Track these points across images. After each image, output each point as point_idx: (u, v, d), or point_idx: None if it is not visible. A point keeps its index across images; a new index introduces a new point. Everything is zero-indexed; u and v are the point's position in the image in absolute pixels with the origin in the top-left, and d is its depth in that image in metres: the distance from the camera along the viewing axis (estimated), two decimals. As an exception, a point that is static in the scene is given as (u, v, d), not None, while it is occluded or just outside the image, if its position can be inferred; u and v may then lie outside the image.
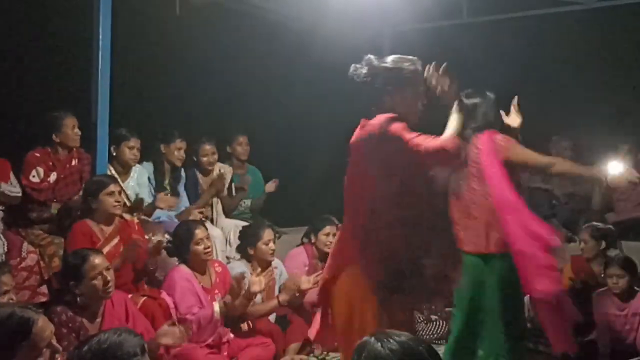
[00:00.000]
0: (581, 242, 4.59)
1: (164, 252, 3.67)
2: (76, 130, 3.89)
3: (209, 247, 3.58)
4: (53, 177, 3.79)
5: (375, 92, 2.45)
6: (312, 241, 4.40)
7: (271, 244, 3.96)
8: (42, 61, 4.39)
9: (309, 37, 5.48)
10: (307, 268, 4.26)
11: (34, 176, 3.73)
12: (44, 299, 3.39)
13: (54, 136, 3.84)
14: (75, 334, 2.73)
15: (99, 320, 2.86)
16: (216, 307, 3.44)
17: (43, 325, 1.96)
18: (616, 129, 5.50)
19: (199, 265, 3.58)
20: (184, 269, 3.55)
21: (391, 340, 1.60)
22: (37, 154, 3.81)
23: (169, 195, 4.42)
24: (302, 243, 4.56)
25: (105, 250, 3.34)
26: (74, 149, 3.92)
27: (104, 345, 1.80)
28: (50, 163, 3.82)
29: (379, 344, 1.60)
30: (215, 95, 5.47)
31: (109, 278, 2.85)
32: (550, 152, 5.62)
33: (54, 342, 2.02)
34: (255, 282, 3.51)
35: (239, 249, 4.09)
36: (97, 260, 2.85)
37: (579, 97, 5.70)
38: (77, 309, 2.81)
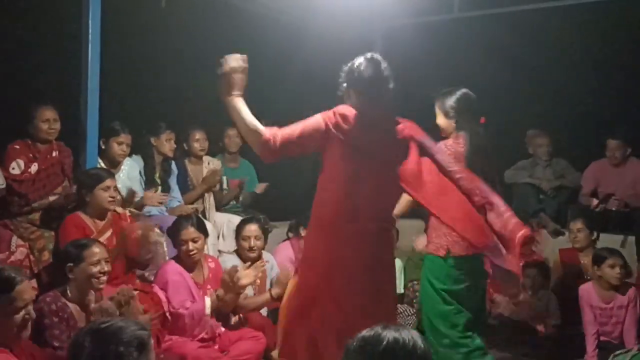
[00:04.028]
0: (573, 232, 4.64)
1: (155, 248, 3.67)
2: (51, 124, 3.79)
3: (192, 250, 3.53)
4: (34, 168, 3.74)
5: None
6: (300, 235, 4.34)
7: (252, 240, 3.90)
8: (31, 55, 4.35)
9: (300, 32, 5.47)
10: (293, 263, 4.23)
11: (13, 168, 3.69)
12: (33, 294, 3.37)
13: (28, 127, 3.80)
14: (66, 324, 2.75)
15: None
16: (207, 301, 3.44)
17: (25, 287, 2.22)
18: (606, 125, 5.55)
19: (187, 263, 3.56)
20: (175, 263, 3.55)
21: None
22: (17, 146, 3.76)
23: (158, 191, 4.43)
24: (288, 237, 4.55)
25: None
26: (53, 141, 3.86)
27: (106, 325, 1.80)
28: (31, 155, 3.77)
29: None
30: (204, 89, 5.43)
31: (105, 269, 2.90)
32: (526, 147, 5.68)
33: (31, 308, 2.24)
34: (245, 275, 3.51)
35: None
36: (97, 249, 2.91)
37: (571, 92, 5.74)
38: (67, 299, 2.82)
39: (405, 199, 3.25)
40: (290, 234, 4.52)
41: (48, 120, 3.79)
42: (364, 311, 2.50)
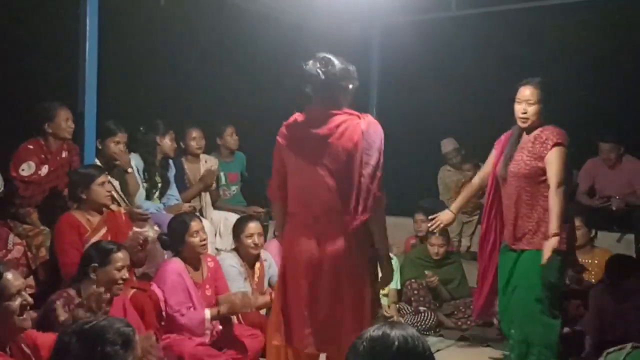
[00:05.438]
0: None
1: (151, 245, 3.65)
2: (70, 122, 3.82)
3: (204, 240, 3.53)
4: (44, 170, 3.73)
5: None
6: None
7: (255, 238, 3.87)
8: (29, 54, 4.35)
9: (299, 29, 5.47)
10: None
11: (23, 169, 3.67)
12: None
13: (46, 126, 3.78)
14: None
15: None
16: (207, 314, 3.38)
17: (11, 277, 2.11)
18: (605, 124, 5.56)
19: (193, 258, 3.54)
20: (176, 262, 3.51)
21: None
22: (31, 146, 3.74)
23: (158, 189, 4.43)
24: (275, 236, 4.53)
25: (93, 240, 3.32)
26: (64, 141, 3.86)
27: (90, 325, 1.80)
28: (43, 156, 3.76)
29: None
30: (202, 87, 5.45)
31: (125, 276, 2.93)
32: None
33: (25, 293, 2.15)
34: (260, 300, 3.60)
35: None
36: (123, 255, 2.96)
37: (569, 91, 5.74)
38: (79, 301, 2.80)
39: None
40: (277, 233, 4.51)
41: (68, 119, 3.82)
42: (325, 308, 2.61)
